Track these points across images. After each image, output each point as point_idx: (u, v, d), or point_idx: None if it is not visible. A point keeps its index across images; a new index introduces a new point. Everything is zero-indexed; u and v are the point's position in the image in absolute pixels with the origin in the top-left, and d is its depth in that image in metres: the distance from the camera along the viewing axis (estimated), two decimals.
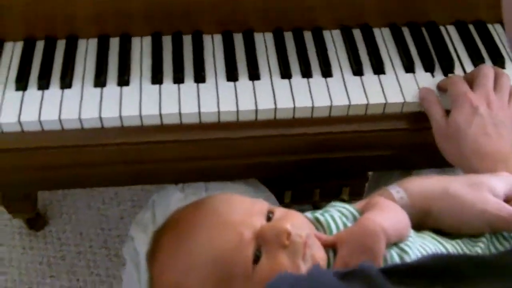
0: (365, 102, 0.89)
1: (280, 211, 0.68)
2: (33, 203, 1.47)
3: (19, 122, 0.85)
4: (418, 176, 0.74)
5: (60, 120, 0.85)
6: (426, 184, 0.71)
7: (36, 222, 1.51)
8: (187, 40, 0.96)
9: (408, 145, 0.94)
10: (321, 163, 0.98)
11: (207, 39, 0.96)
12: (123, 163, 0.93)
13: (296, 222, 0.65)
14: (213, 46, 0.95)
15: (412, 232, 0.67)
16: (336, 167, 1.02)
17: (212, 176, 0.96)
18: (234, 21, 0.97)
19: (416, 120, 0.91)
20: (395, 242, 0.64)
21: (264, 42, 0.96)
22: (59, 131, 0.86)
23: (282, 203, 1.15)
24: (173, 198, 0.92)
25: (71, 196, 1.57)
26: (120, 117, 0.86)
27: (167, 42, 0.95)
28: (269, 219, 0.67)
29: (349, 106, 0.89)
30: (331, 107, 0.89)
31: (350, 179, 1.17)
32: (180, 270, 0.64)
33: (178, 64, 0.92)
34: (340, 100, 0.89)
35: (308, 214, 0.70)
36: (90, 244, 1.51)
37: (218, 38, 0.97)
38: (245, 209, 0.66)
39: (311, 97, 0.89)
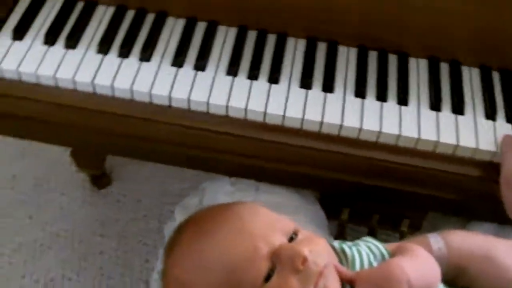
0: (435, 139, 0.86)
1: (304, 234, 0.67)
2: (101, 162, 1.52)
3: (92, 83, 0.87)
4: (463, 231, 0.71)
5: (131, 91, 0.87)
6: (469, 241, 0.68)
7: (100, 180, 1.56)
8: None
9: (472, 193, 0.90)
10: (380, 190, 0.95)
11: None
12: (185, 146, 0.94)
13: (317, 249, 0.63)
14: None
15: (442, 286, 0.64)
16: (395, 198, 0.99)
17: (266, 178, 0.96)
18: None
19: (485, 169, 0.87)
20: None
21: (347, 56, 0.95)
22: (128, 100, 0.89)
23: (338, 219, 1.13)
24: (222, 190, 0.92)
25: (139, 164, 1.60)
26: (189, 99, 0.87)
27: (251, 38, 0.95)
28: (291, 239, 0.65)
29: (418, 139, 0.86)
30: (399, 136, 0.86)
31: (412, 211, 1.14)
32: (190, 269, 0.64)
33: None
34: (409, 131, 0.86)
35: (336, 243, 0.68)
36: (145, 213, 1.54)
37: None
38: (268, 224, 0.65)
39: (381, 121, 0.87)
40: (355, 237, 1.45)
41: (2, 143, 1.61)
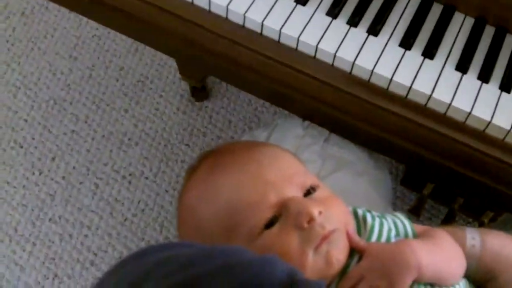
0: None
1: (323, 192, 0.64)
2: (203, 75, 1.53)
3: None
4: (507, 235, 0.65)
5: (227, 9, 0.86)
6: (510, 249, 0.62)
7: (199, 93, 1.58)
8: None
9: None
10: (461, 178, 0.90)
11: None
12: (271, 80, 0.91)
13: (330, 211, 0.60)
14: None
15: (463, 283, 0.59)
16: (477, 189, 0.93)
17: (341, 131, 0.92)
18: None
19: None
20: (431, 283, 0.57)
21: (461, 24, 0.88)
22: (223, 19, 0.87)
23: (420, 192, 1.08)
24: (293, 131, 0.90)
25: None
26: (280, 32, 0.84)
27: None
28: (308, 193, 0.62)
29: (509, 131, 0.79)
30: (489, 123, 0.80)
31: (496, 205, 1.07)
32: (200, 198, 0.63)
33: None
34: (501, 120, 0.79)
35: (360, 210, 0.65)
36: (232, 135, 1.55)
37: None
38: (285, 174, 0.63)
39: (474, 102, 0.81)
40: (431, 214, 1.43)
41: (118, 36, 1.67)
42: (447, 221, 1.12)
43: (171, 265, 0.45)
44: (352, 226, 0.62)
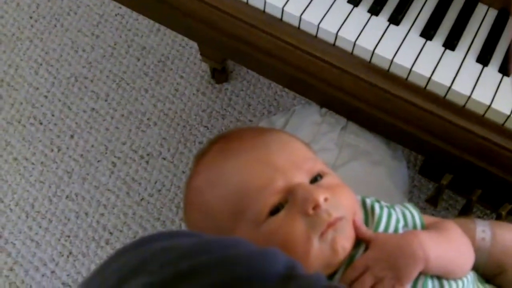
0: None
1: (331, 179, 0.63)
2: (224, 57, 1.53)
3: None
4: None
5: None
6: None
7: (219, 75, 1.58)
8: None
9: None
10: (479, 170, 0.89)
11: None
12: (290, 65, 0.91)
13: (338, 199, 0.59)
14: None
15: (471, 276, 0.58)
16: (494, 182, 0.92)
17: (359, 119, 0.92)
18: None
19: None
20: (438, 275, 0.57)
21: (483, 16, 0.86)
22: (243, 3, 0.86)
23: (438, 182, 1.07)
24: (310, 118, 0.90)
25: None
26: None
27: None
28: (314, 180, 0.62)
29: None
30: (509, 116, 0.78)
31: None
32: (208, 182, 0.63)
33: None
34: None
35: (369, 200, 0.64)
36: (250, 119, 1.55)
37: None
38: (294, 160, 0.62)
39: (494, 96, 0.79)
40: (449, 204, 1.42)
41: (141, 16, 1.67)
42: (464, 212, 1.11)
43: (168, 256, 0.45)
44: (359, 215, 0.62)
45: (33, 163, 1.50)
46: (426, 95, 0.82)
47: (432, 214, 1.39)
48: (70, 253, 1.40)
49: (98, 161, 1.50)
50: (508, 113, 0.78)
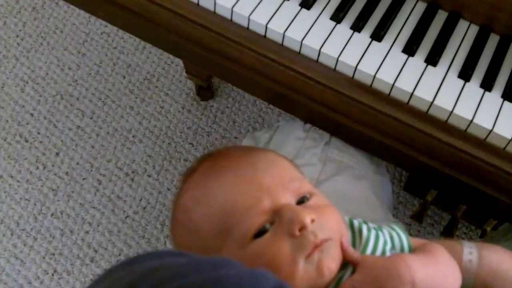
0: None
1: (318, 200, 0.63)
2: (209, 75, 1.54)
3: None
4: (506, 250, 0.64)
5: (232, 11, 0.86)
6: (508, 265, 0.61)
7: (205, 92, 1.58)
8: None
9: None
10: (463, 185, 0.89)
11: None
12: (273, 81, 0.91)
13: (324, 220, 0.59)
14: None
15: None
16: (478, 197, 0.92)
17: (342, 135, 0.92)
18: None
19: None
20: None
21: (465, 32, 0.87)
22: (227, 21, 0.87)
23: (423, 198, 1.08)
24: (294, 134, 0.90)
25: None
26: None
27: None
28: (300, 202, 0.62)
29: (510, 140, 0.79)
30: (490, 131, 0.79)
31: (497, 214, 1.06)
32: (195, 200, 0.63)
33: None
34: (502, 129, 0.79)
35: (356, 221, 0.64)
36: (236, 136, 1.55)
37: None
38: (281, 180, 0.62)
39: (476, 110, 0.80)
40: (434, 220, 1.42)
41: (127, 34, 1.68)
42: (449, 228, 1.11)
43: (157, 277, 0.45)
44: (346, 237, 0.61)
45: (18, 181, 1.49)
46: (409, 110, 0.83)
47: (417, 230, 1.41)
48: (55, 271, 1.39)
49: (84, 178, 1.49)
50: (490, 128, 0.79)
